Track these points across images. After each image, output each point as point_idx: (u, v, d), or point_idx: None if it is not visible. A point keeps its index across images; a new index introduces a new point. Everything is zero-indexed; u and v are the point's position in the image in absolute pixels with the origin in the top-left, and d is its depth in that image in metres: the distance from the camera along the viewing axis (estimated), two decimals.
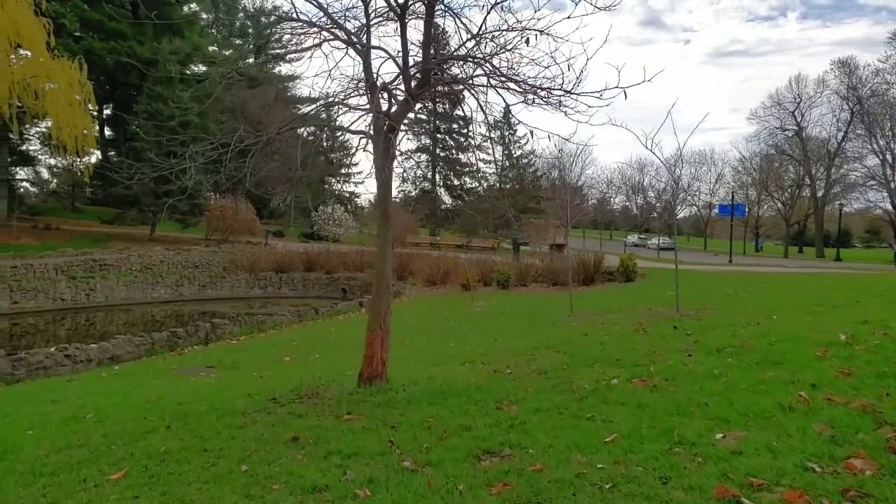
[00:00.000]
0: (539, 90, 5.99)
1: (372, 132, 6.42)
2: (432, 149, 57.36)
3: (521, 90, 6.38)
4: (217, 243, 36.59)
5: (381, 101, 6.51)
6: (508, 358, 7.92)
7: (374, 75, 6.54)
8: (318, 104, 6.23)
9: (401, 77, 6.28)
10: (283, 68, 66.41)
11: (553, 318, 13.05)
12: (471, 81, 6.25)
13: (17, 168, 43.95)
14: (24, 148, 44.28)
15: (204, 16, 56.06)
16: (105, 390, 9.21)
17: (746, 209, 54.24)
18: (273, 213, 54.47)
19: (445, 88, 7.15)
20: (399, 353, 8.53)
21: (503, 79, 6.20)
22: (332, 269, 33.16)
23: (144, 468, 4.51)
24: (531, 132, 6.49)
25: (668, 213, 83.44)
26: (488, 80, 6.28)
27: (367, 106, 6.36)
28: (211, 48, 53.70)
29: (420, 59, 6.28)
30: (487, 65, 5.98)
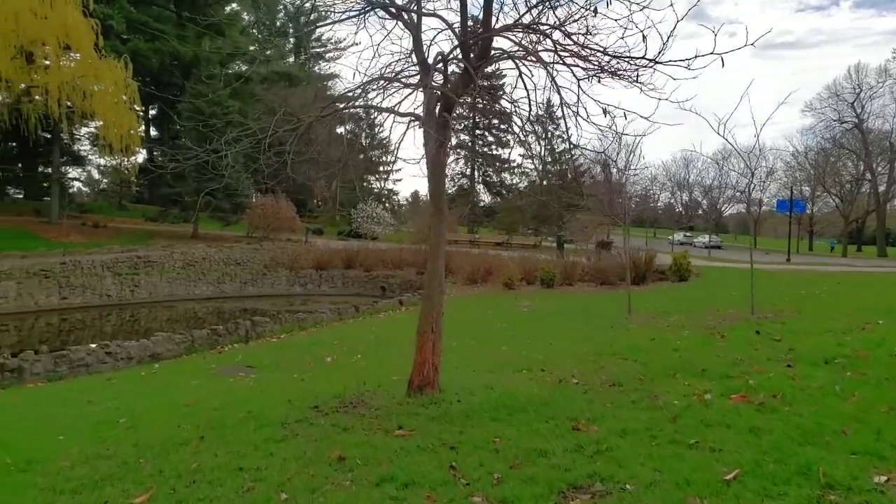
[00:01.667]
0: (618, 60, 5.20)
1: (422, 113, 5.77)
2: (471, 144, 56.58)
3: (593, 63, 5.62)
4: (258, 241, 36.59)
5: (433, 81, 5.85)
6: (571, 365, 7.16)
7: (425, 51, 5.90)
8: (363, 81, 5.57)
9: (457, 50, 5.60)
10: (323, 67, 66.73)
11: (610, 320, 12.20)
12: (536, 54, 5.50)
13: (69, 168, 44.91)
14: (75, 148, 45.25)
15: (245, 16, 56.45)
16: (142, 391, 8.83)
17: (808, 206, 51.63)
18: (312, 211, 54.62)
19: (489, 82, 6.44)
20: (447, 356, 7.84)
21: (575, 49, 5.46)
22: (370, 267, 32.77)
23: (172, 490, 3.94)
24: (604, 110, 5.72)
25: (714, 210, 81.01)
26: (556, 52, 5.55)
27: (418, 83, 5.70)
28: (252, 48, 54.01)
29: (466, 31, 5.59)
30: (558, 32, 5.24)
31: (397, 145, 5.90)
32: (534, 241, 40.67)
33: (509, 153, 57.03)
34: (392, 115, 6.08)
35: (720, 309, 12.23)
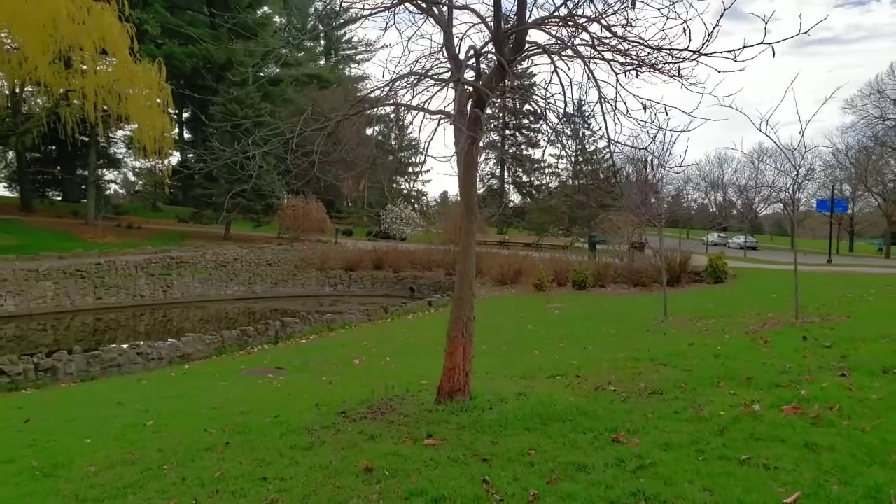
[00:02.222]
0: (660, 52, 4.94)
1: (453, 110, 5.58)
2: (501, 145, 56.30)
3: (632, 57, 5.37)
4: (289, 242, 36.88)
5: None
6: (608, 371, 6.88)
7: (456, 47, 5.71)
8: (392, 77, 5.39)
9: (489, 45, 5.40)
10: (353, 69, 67.09)
11: (645, 324, 11.84)
12: (573, 47, 5.26)
13: (105, 170, 45.91)
14: (111, 151, 46.24)
15: (276, 19, 57.09)
16: (170, 393, 8.81)
17: (850, 205, 49.75)
18: (342, 212, 54.83)
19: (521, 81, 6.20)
20: (477, 361, 7.65)
21: (613, 42, 5.21)
22: (399, 268, 32.77)
23: (194, 501, 3.82)
24: (644, 106, 5.45)
25: (749, 211, 79.14)
26: (593, 45, 5.30)
27: (449, 78, 5.51)
28: (283, 50, 54.50)
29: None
30: (595, 24, 5.00)
31: (427, 144, 5.71)
32: (564, 242, 40.17)
33: (543, 151, 56.61)
34: (421, 114, 5.91)
35: (760, 312, 11.77)
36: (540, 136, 53.64)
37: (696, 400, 5.15)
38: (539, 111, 5.12)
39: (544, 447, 4.22)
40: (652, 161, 4.97)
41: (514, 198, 59.89)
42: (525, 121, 54.29)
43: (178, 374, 11.12)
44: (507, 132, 56.47)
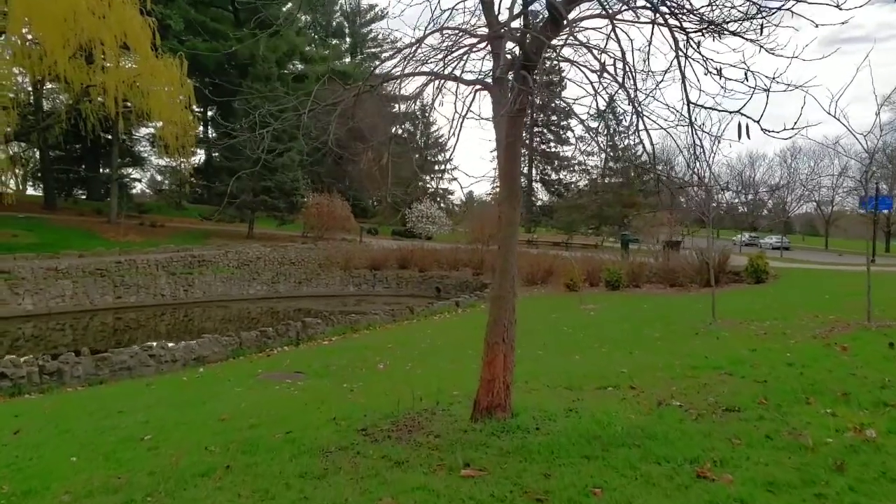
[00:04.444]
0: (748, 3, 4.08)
1: (492, 73, 4.78)
2: (529, 142, 55.20)
3: (697, 18, 4.52)
4: (313, 240, 36.34)
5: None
6: (666, 382, 5.99)
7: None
8: (424, 33, 4.59)
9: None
10: (379, 67, 66.59)
11: (691, 326, 10.86)
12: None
13: (129, 169, 45.88)
14: (135, 149, 46.22)
15: (301, 16, 56.77)
16: (179, 399, 8.16)
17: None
18: (367, 212, 54.24)
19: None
20: (516, 368, 6.82)
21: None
22: (425, 268, 32.02)
23: None
24: (718, 71, 4.58)
25: (783, 211, 76.88)
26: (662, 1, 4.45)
27: (491, 33, 4.69)
28: (307, 48, 54.27)
29: None
30: None
31: (462, 118, 4.87)
32: (595, 241, 39.07)
33: (592, 143, 55.29)
34: (452, 89, 5.13)
35: (819, 314, 10.73)
36: (573, 131, 52.35)
37: (786, 420, 4.26)
38: (600, 71, 4.24)
39: (612, 483, 3.38)
40: (746, 126, 4.09)
41: (542, 196, 58.79)
42: (554, 117, 53.15)
43: (191, 378, 10.47)
44: (535, 129, 55.36)
